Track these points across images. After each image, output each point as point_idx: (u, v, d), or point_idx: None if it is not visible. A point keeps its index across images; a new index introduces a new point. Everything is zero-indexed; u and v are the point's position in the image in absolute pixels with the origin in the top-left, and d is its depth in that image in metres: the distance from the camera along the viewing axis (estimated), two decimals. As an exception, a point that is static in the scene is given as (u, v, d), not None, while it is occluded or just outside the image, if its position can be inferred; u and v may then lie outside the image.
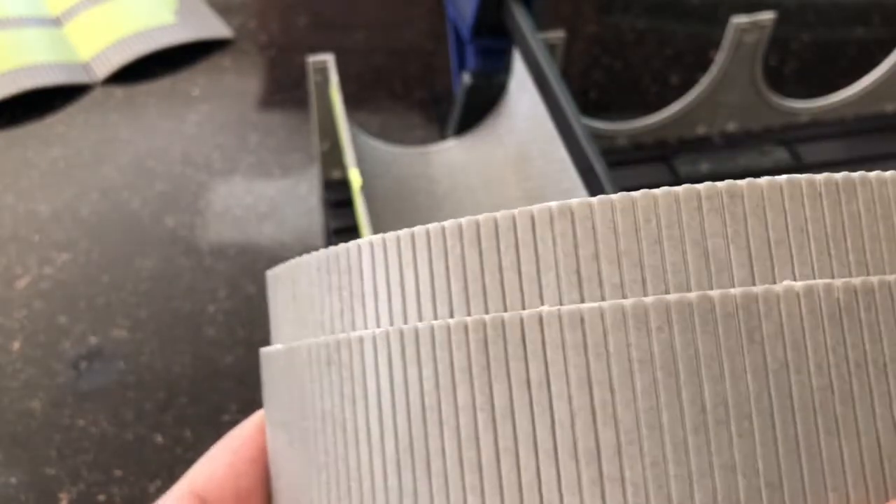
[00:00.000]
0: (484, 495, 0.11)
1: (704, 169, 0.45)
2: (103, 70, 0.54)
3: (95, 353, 0.38)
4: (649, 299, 0.10)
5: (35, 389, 0.37)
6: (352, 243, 0.12)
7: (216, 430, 0.36)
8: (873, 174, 0.11)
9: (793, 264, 0.11)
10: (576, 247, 0.11)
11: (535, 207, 0.11)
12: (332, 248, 0.12)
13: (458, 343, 0.11)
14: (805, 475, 0.10)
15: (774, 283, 0.10)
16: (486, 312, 0.11)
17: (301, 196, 0.46)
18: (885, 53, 0.47)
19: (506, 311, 0.11)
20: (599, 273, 0.11)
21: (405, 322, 0.11)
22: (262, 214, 0.45)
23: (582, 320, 0.10)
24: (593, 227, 0.11)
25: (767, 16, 0.42)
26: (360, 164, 0.36)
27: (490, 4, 0.41)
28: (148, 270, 0.42)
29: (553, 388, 0.10)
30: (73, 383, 0.37)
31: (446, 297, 0.11)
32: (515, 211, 0.11)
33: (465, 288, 0.11)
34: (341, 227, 0.41)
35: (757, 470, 0.10)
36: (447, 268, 0.11)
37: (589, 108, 0.52)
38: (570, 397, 0.10)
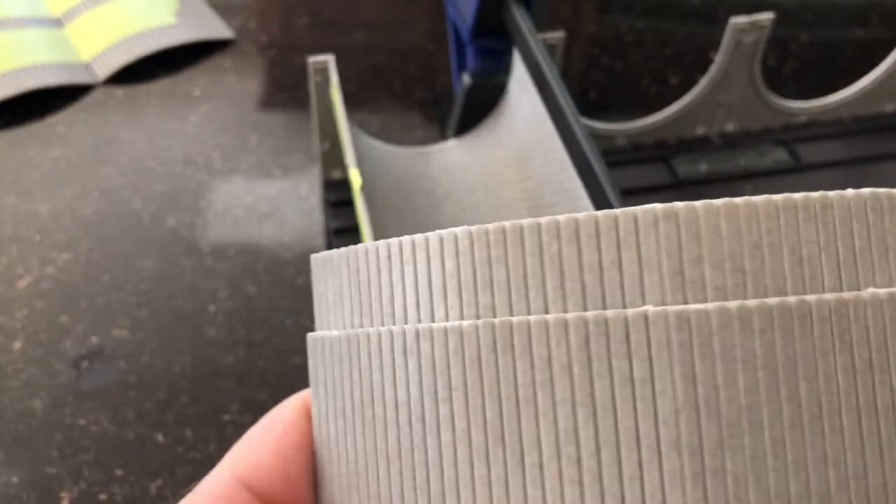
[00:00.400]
0: (583, 486, 0.11)
1: (703, 169, 0.45)
2: (104, 70, 0.54)
3: (96, 353, 0.39)
4: (753, 303, 0.11)
5: (36, 389, 0.37)
6: (432, 234, 0.12)
7: (217, 429, 0.36)
8: None
9: (874, 272, 0.11)
10: (680, 249, 0.11)
11: (640, 209, 0.11)
12: (409, 238, 0.12)
13: (557, 339, 0.11)
14: (886, 466, 0.11)
15: (859, 289, 0.11)
16: (585, 310, 0.11)
17: (301, 196, 0.46)
18: (884, 54, 0.47)
19: (605, 308, 0.11)
20: (703, 276, 0.11)
21: (494, 316, 0.11)
22: (262, 214, 0.45)
23: (688, 321, 0.11)
24: (698, 231, 0.11)
25: (766, 16, 0.42)
26: (360, 164, 0.36)
27: (490, 5, 0.41)
28: (148, 270, 0.42)
29: (657, 385, 0.11)
30: (74, 383, 0.37)
31: (541, 292, 0.11)
32: (618, 211, 0.11)
33: (562, 284, 0.11)
34: (341, 227, 0.41)
35: (845, 462, 0.11)
36: (542, 264, 0.11)
37: (589, 108, 0.52)
38: (674, 394, 0.11)
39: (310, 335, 0.14)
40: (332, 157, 0.42)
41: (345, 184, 0.41)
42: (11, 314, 0.40)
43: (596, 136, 0.45)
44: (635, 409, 0.11)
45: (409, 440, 0.12)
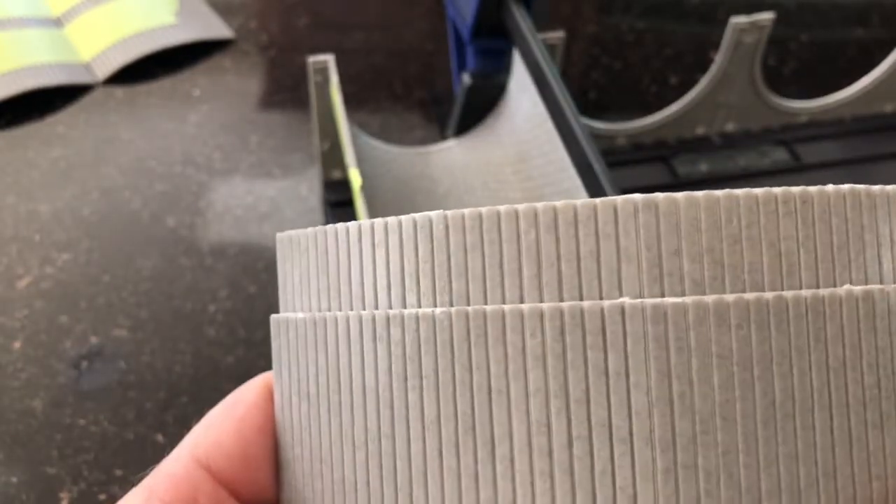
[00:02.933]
0: (553, 479, 0.11)
1: (703, 169, 0.45)
2: (104, 70, 0.54)
3: (96, 353, 0.39)
4: (730, 297, 0.11)
5: (36, 389, 0.37)
6: (406, 217, 0.12)
7: (217, 429, 0.36)
8: None
9: (850, 269, 0.11)
10: (658, 241, 0.11)
11: (619, 198, 0.11)
12: (381, 220, 0.12)
13: (532, 329, 0.11)
14: (855, 465, 0.11)
15: (835, 286, 0.11)
16: (561, 300, 0.11)
17: (301, 196, 0.46)
18: (884, 54, 0.47)
19: (582, 299, 0.11)
20: (680, 269, 0.11)
21: (468, 304, 0.11)
22: (262, 214, 0.45)
23: (665, 315, 0.11)
24: (677, 223, 0.11)
25: (766, 16, 0.42)
26: (360, 164, 0.36)
27: (490, 5, 0.41)
28: (149, 270, 0.42)
29: (632, 378, 0.11)
30: (73, 383, 0.37)
31: (517, 281, 0.11)
32: (597, 200, 0.11)
33: (539, 274, 0.11)
34: (341, 227, 0.41)
35: (815, 460, 0.11)
36: (519, 252, 0.11)
37: (589, 108, 0.52)
38: (648, 388, 0.11)
39: (273, 317, 0.14)
40: (332, 157, 0.42)
41: (345, 184, 0.41)
42: (11, 314, 0.40)
43: (596, 136, 0.45)
44: (609, 402, 0.11)
45: (377, 427, 0.12)
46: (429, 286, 0.11)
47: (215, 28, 0.58)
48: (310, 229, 0.13)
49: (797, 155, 0.46)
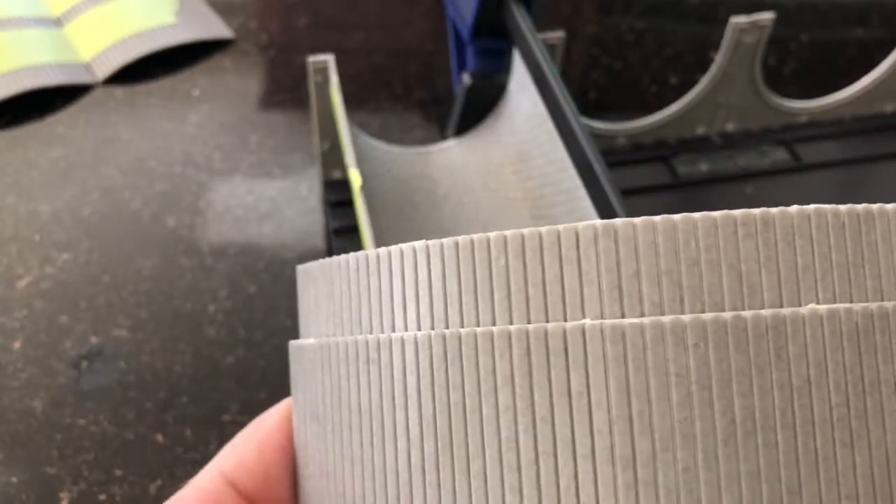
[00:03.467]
0: (522, 494, 0.11)
1: (703, 169, 0.45)
2: (104, 70, 0.54)
3: (96, 353, 0.39)
4: (687, 317, 0.11)
5: (36, 389, 0.37)
6: (394, 247, 0.12)
7: (217, 429, 0.36)
8: (890, 206, 0.12)
9: (817, 289, 0.11)
10: (618, 264, 0.11)
11: (580, 225, 0.11)
12: (374, 251, 0.13)
13: (500, 350, 0.11)
14: (822, 483, 0.11)
15: (800, 305, 0.11)
16: (529, 322, 0.11)
17: (301, 196, 0.46)
18: (885, 54, 0.47)
19: (548, 321, 0.11)
20: (640, 291, 0.11)
21: (447, 327, 0.12)
22: (262, 214, 0.45)
23: (623, 335, 0.11)
24: (636, 247, 0.11)
25: (766, 16, 0.42)
26: (360, 164, 0.36)
27: (490, 5, 0.41)
28: (149, 270, 0.42)
29: (593, 397, 0.11)
30: (73, 383, 0.37)
31: (489, 305, 0.12)
32: (560, 227, 0.11)
33: (508, 297, 0.12)
34: (341, 227, 0.41)
35: (779, 477, 0.11)
36: (491, 277, 0.12)
37: (589, 108, 0.52)
38: (608, 406, 0.11)
39: (291, 343, 0.15)
40: (332, 157, 0.42)
41: (345, 184, 0.41)
42: (11, 314, 0.40)
43: (596, 136, 0.45)
44: (572, 420, 0.11)
45: (371, 445, 0.12)
46: (413, 311, 0.12)
47: (215, 28, 0.58)
48: (320, 261, 0.14)
49: (797, 155, 0.46)
